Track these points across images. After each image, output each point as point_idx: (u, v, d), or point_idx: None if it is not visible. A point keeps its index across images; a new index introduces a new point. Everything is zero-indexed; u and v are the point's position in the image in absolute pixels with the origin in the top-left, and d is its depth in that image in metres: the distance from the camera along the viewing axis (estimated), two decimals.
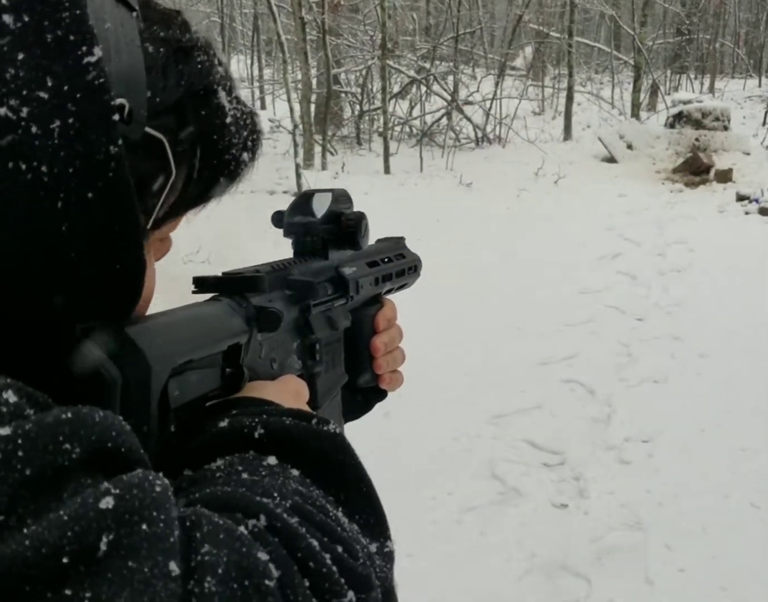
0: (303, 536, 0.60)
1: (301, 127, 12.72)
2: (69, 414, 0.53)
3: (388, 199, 11.66)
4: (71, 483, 0.52)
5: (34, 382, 0.57)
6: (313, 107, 14.58)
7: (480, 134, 16.30)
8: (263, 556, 0.56)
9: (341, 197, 1.11)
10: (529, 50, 23.11)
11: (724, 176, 13.73)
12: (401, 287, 1.33)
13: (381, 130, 14.49)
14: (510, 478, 4.73)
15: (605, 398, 5.76)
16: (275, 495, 0.63)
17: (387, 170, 13.44)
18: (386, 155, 13.54)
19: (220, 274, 0.89)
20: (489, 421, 5.43)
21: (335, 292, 1.06)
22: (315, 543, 0.61)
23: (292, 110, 12.11)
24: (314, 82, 15.28)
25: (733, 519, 4.29)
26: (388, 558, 0.72)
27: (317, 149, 13.66)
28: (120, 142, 0.63)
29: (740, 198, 12.38)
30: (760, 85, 28.31)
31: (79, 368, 0.64)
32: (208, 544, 0.54)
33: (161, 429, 0.70)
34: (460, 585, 3.80)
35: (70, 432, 0.52)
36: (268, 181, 12.25)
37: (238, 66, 24.07)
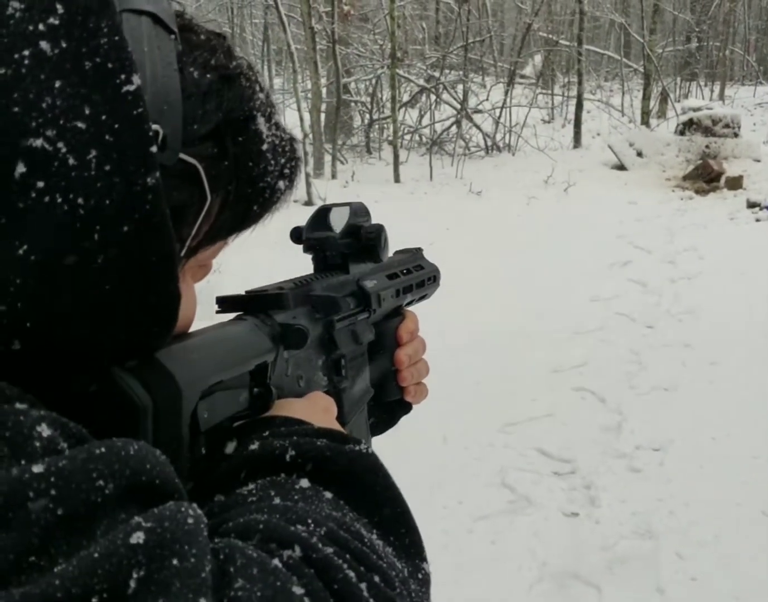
0: (339, 567, 0.59)
1: (311, 136, 12.75)
2: (103, 449, 0.53)
3: (397, 208, 11.67)
4: (105, 520, 0.51)
5: (68, 411, 0.57)
6: (323, 116, 14.61)
7: (490, 142, 16.31)
8: (298, 590, 0.55)
9: (359, 210, 1.11)
10: (538, 58, 23.10)
11: (735, 183, 13.70)
12: (422, 298, 1.32)
13: (391, 138, 14.52)
14: (521, 487, 4.72)
15: (616, 406, 5.74)
16: (309, 522, 0.62)
17: (397, 179, 13.45)
18: (396, 164, 13.56)
19: (243, 293, 0.89)
20: (500, 430, 5.42)
21: (358, 306, 1.05)
22: (352, 574, 0.59)
23: (302, 119, 12.15)
24: (324, 91, 15.31)
25: (744, 527, 4.27)
26: (424, 582, 0.70)
27: (327, 158, 13.69)
28: (158, 174, 0.62)
29: (751, 205, 12.35)
30: None
31: (109, 395, 0.64)
32: (241, 579, 0.53)
33: (192, 453, 0.69)
34: (471, 594, 3.78)
35: (104, 468, 0.52)
36: None
37: None
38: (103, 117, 0.59)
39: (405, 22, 19.50)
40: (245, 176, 0.74)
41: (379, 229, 1.09)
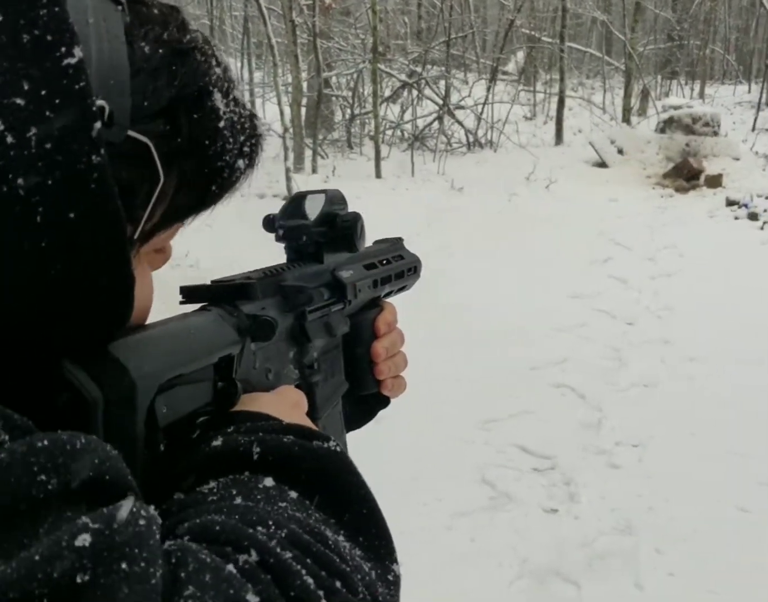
0: (297, 573, 0.56)
1: (291, 130, 12.70)
2: (45, 442, 0.50)
3: (379, 203, 11.64)
4: (48, 518, 0.48)
5: (15, 403, 0.54)
6: (303, 111, 14.56)
7: (471, 138, 16.30)
8: (253, 598, 0.53)
9: (335, 198, 1.08)
10: (520, 55, 23.12)
11: (714, 181, 13.77)
12: (401, 289, 1.28)
13: (372, 133, 14.48)
14: (501, 483, 4.72)
15: (596, 403, 5.75)
16: (270, 523, 0.59)
17: (378, 174, 13.42)
18: (377, 159, 13.53)
19: (209, 283, 0.86)
20: (480, 426, 5.42)
21: (332, 296, 1.02)
22: (310, 580, 0.56)
23: (282, 113, 12.09)
24: (305, 85, 15.26)
25: (723, 523, 4.29)
26: (394, 583, 0.68)
27: (308, 153, 13.64)
28: (103, 151, 0.59)
29: (730, 203, 12.42)
30: (749, 91, 28.35)
31: (59, 388, 0.61)
32: (192, 586, 0.51)
33: (150, 450, 0.66)
34: (451, 591, 3.78)
35: (47, 462, 0.49)
36: (258, 185, 12.23)
37: None
38: (43, 92, 0.56)
39: (387, 16, 19.47)
40: (201, 154, 0.71)
41: (356, 217, 1.07)
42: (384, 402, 1.20)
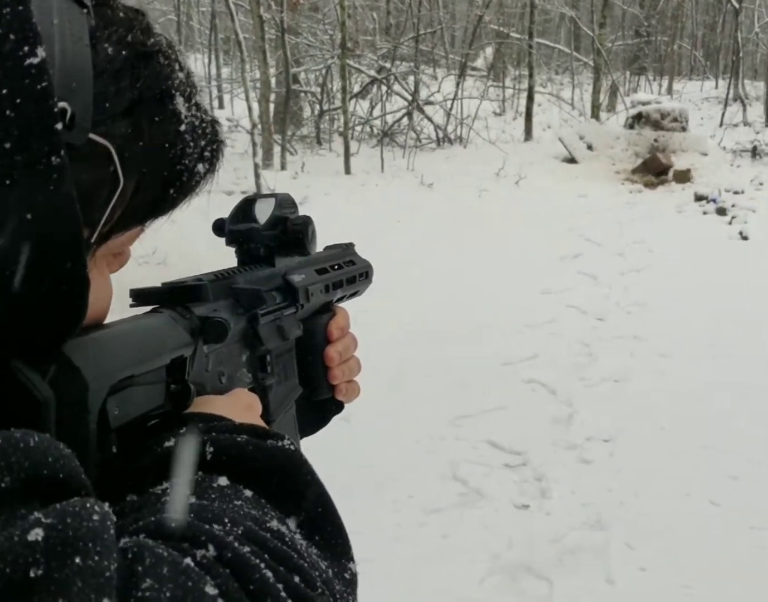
0: (256, 567, 0.56)
1: (259, 126, 12.65)
2: None
3: (348, 200, 11.63)
4: (1, 515, 0.48)
5: None
6: (272, 106, 14.51)
7: (441, 134, 16.32)
8: (211, 590, 0.52)
9: (285, 202, 1.07)
10: (489, 51, 23.18)
11: (683, 176, 13.86)
12: (353, 294, 1.28)
13: (341, 129, 14.45)
14: (472, 480, 4.71)
15: (566, 398, 5.76)
16: (226, 521, 0.59)
17: (347, 170, 13.41)
18: (347, 155, 13.51)
19: (159, 285, 0.85)
20: (451, 423, 5.41)
21: (284, 300, 1.02)
22: (269, 574, 0.56)
23: (250, 109, 12.04)
24: (273, 81, 15.21)
25: (694, 517, 4.30)
26: (351, 582, 0.68)
27: (276, 149, 13.60)
28: (63, 152, 0.58)
29: (698, 198, 12.50)
30: (717, 87, 28.63)
31: (10, 388, 0.60)
32: (150, 579, 0.50)
33: (102, 451, 0.66)
34: (423, 588, 3.76)
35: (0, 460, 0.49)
36: (226, 181, 12.17)
37: (195, 65, 23.88)
38: (4, 91, 0.56)
39: (356, 12, 19.44)
40: (161, 158, 0.71)
41: (306, 221, 1.06)
42: (338, 407, 1.19)
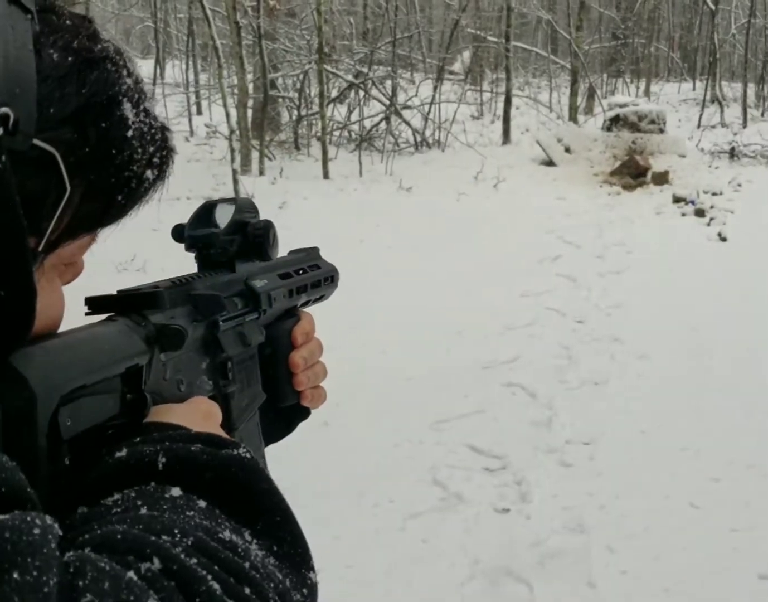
0: (203, 579, 0.55)
1: (237, 132, 12.61)
2: None
3: (327, 204, 11.61)
4: None
5: None
6: (250, 112, 14.48)
7: (419, 138, 16.32)
8: None
9: (246, 206, 1.05)
10: (467, 55, 23.20)
11: (661, 178, 13.89)
12: (318, 299, 1.26)
13: (319, 134, 14.42)
14: (452, 484, 4.69)
15: (546, 401, 5.75)
16: (176, 532, 0.58)
17: (326, 175, 13.39)
18: (325, 160, 13.49)
19: (115, 293, 0.83)
20: (431, 427, 5.39)
21: (246, 306, 1.00)
22: (216, 586, 0.56)
23: (228, 115, 12.01)
24: (251, 87, 15.17)
25: (674, 519, 4.30)
26: (311, 592, 0.67)
27: (255, 154, 13.57)
28: (5, 158, 0.58)
29: (676, 200, 12.54)
30: (694, 89, 28.72)
31: None
32: (90, 593, 0.50)
33: (53, 463, 0.64)
34: (403, 593, 3.75)
35: None
36: (205, 187, 12.13)
37: (173, 71, 23.84)
38: None
39: (333, 17, 19.42)
40: (108, 164, 0.70)
41: (267, 226, 1.04)
42: (304, 413, 1.17)
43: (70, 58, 0.67)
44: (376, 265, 8.67)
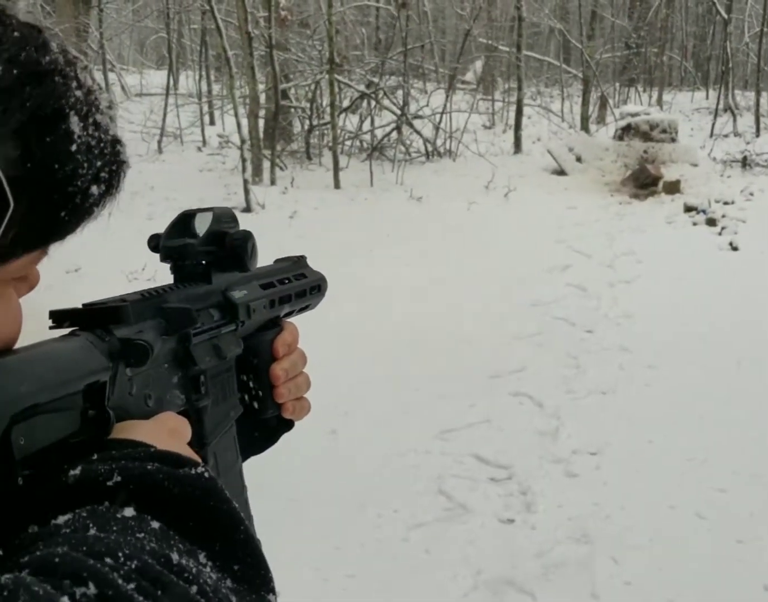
0: None
1: (249, 142, 12.65)
2: None
3: (338, 214, 11.62)
4: None
5: None
6: (261, 122, 14.52)
7: (430, 148, 16.32)
8: None
9: (223, 216, 1.03)
10: (479, 64, 23.21)
11: (672, 188, 13.86)
12: (303, 309, 1.24)
13: (331, 144, 14.45)
14: (457, 494, 4.68)
15: (553, 411, 5.73)
16: (119, 555, 0.57)
17: (337, 185, 13.41)
18: (336, 170, 13.51)
19: (80, 306, 0.82)
20: (437, 436, 5.38)
21: (223, 317, 0.98)
22: None
23: (239, 125, 12.04)
24: (263, 97, 15.21)
25: (679, 530, 4.27)
26: None
27: (266, 164, 13.60)
28: None
29: (688, 209, 12.50)
30: (707, 98, 28.70)
31: None
32: None
33: (6, 482, 0.63)
34: None
35: None
36: (217, 197, 12.17)
37: (187, 81, 23.95)
38: None
39: (345, 27, 19.46)
40: (51, 180, 0.68)
41: (246, 236, 1.02)
42: (287, 425, 1.15)
43: (15, 71, 0.65)
44: (386, 274, 8.68)
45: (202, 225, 1.00)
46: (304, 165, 15.41)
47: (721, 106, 21.77)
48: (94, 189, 0.72)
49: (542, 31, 31.35)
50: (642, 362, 6.59)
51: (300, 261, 1.26)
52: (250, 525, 0.70)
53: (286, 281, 1.18)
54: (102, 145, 0.73)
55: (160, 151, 16.84)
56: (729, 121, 20.82)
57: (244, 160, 11.79)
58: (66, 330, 0.78)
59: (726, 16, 22.04)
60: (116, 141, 0.75)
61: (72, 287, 7.21)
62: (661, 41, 30.32)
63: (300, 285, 1.21)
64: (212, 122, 20.58)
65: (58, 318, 0.80)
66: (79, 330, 0.77)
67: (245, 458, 1.08)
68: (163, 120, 17.57)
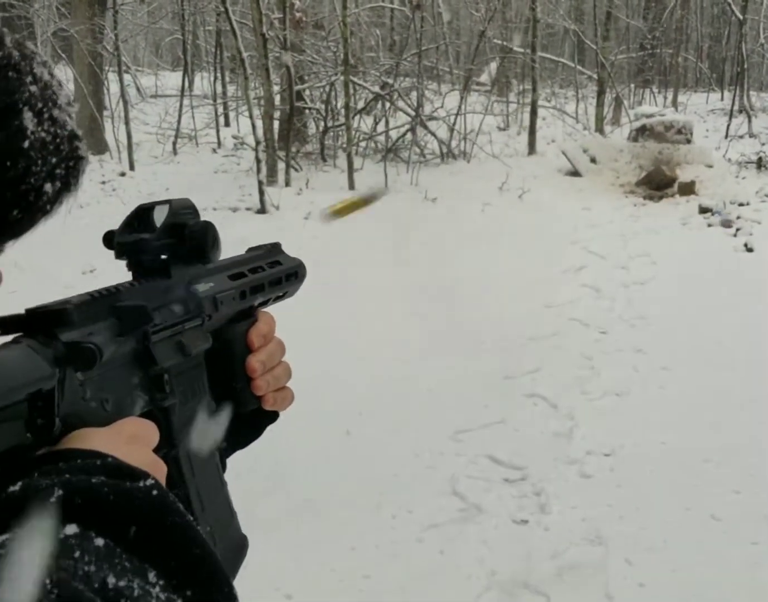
0: None
1: (264, 143, 12.67)
2: None
3: (352, 215, 11.62)
4: None
5: None
6: (276, 124, 14.54)
7: (445, 149, 16.31)
8: None
9: (181, 208, 0.98)
10: (493, 65, 23.18)
11: (687, 189, 13.81)
12: (280, 297, 1.19)
13: (345, 146, 14.46)
14: (471, 495, 4.69)
15: (568, 412, 5.73)
16: (46, 583, 0.54)
17: (352, 186, 13.41)
18: (350, 171, 13.52)
19: (22, 312, 0.78)
20: (451, 437, 5.39)
21: (186, 312, 0.94)
22: None
23: (254, 127, 12.07)
24: (278, 98, 15.23)
25: (694, 532, 4.27)
26: None
27: (281, 165, 13.62)
28: None
29: (703, 210, 12.45)
30: (722, 99, 28.58)
31: None
32: None
33: None
34: None
35: None
36: (232, 198, 12.21)
37: (202, 83, 24.01)
38: None
39: (360, 28, 19.47)
40: (2, 178, 0.66)
41: (205, 226, 0.97)
42: (271, 416, 1.12)
43: None
44: (399, 276, 8.68)
45: (157, 218, 0.96)
46: (319, 166, 15.42)
47: (736, 108, 21.68)
48: (48, 187, 0.70)
49: (557, 32, 31.27)
50: (656, 363, 6.58)
51: (274, 248, 1.22)
52: (229, 524, 0.66)
53: (259, 269, 1.14)
54: (58, 141, 0.70)
55: (175, 153, 16.89)
56: (744, 123, 20.73)
57: (258, 162, 11.81)
58: (9, 338, 0.74)
59: (741, 17, 21.94)
60: (74, 136, 0.73)
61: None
62: (676, 42, 30.23)
63: (274, 273, 1.17)
64: (227, 124, 20.62)
65: (3, 325, 0.76)
66: (21, 337, 0.74)
67: (230, 452, 1.06)
68: (178, 121, 17.62)
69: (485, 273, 9.10)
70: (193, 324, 0.95)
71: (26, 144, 0.67)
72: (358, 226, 10.79)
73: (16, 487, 0.62)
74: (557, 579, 3.91)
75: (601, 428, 5.47)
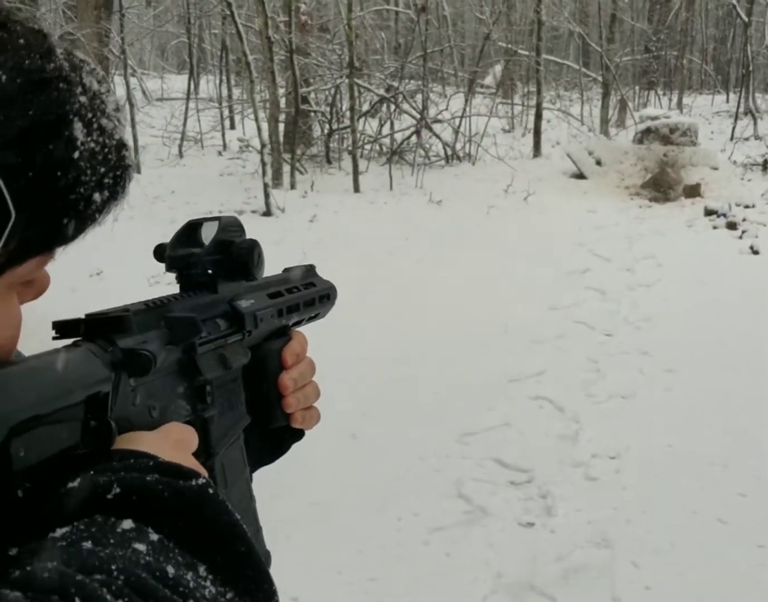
0: None
1: (269, 146, 12.69)
2: None
3: (357, 218, 11.65)
4: None
5: None
6: (281, 126, 14.56)
7: (450, 152, 16.33)
8: None
9: (230, 225, 1.02)
10: (498, 68, 23.20)
11: (693, 191, 13.81)
12: (312, 318, 1.23)
13: (350, 148, 14.48)
14: (477, 497, 4.69)
15: (573, 415, 5.72)
16: (113, 569, 0.57)
17: (356, 189, 13.43)
18: (356, 174, 13.54)
19: (83, 316, 0.80)
20: (457, 440, 5.39)
21: (229, 327, 0.98)
22: None
23: (259, 129, 12.09)
24: (283, 101, 15.26)
25: (700, 535, 4.26)
26: None
27: (286, 168, 13.64)
28: None
29: (708, 212, 12.45)
30: (727, 101, 28.60)
31: None
32: None
33: (4, 495, 0.63)
34: None
35: None
36: (237, 201, 12.23)
37: (207, 86, 24.04)
38: None
39: (365, 31, 19.50)
40: (53, 187, 0.67)
41: (252, 245, 1.01)
42: (297, 435, 1.15)
43: (18, 80, 0.64)
44: (405, 278, 8.69)
45: (208, 234, 1.00)
46: (324, 169, 15.45)
47: (741, 110, 21.68)
48: (97, 196, 0.71)
49: (562, 34, 31.32)
50: (662, 366, 6.57)
51: (309, 270, 1.26)
52: (255, 537, 0.69)
53: (295, 290, 1.18)
54: (106, 150, 0.72)
55: (181, 156, 16.94)
56: (749, 125, 20.74)
57: (264, 164, 11.83)
58: (69, 341, 0.77)
59: (746, 20, 21.94)
60: (121, 145, 0.74)
61: (94, 290, 7.25)
62: (681, 44, 30.22)
63: (309, 294, 1.21)
64: (233, 126, 20.66)
65: (61, 328, 0.79)
66: (81, 341, 0.76)
67: (255, 468, 1.07)
68: (184, 124, 17.66)
69: (490, 274, 9.10)
70: (235, 338, 0.98)
71: (76, 154, 0.68)
72: (362, 229, 10.81)
73: (75, 484, 0.65)
74: (563, 581, 3.91)
75: (607, 431, 5.46)
